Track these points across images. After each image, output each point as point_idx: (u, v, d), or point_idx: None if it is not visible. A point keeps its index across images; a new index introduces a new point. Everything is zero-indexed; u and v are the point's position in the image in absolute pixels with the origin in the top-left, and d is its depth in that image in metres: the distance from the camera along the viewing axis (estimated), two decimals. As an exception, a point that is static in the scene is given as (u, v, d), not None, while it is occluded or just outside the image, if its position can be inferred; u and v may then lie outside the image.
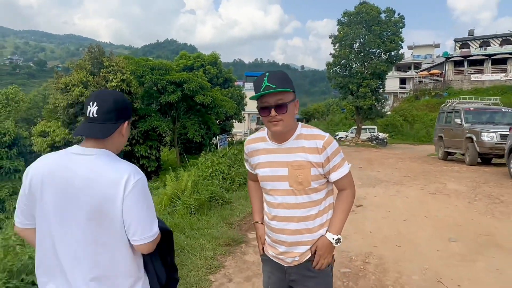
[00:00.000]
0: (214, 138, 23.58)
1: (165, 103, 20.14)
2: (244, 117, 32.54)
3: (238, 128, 36.43)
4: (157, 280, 1.42)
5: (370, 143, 22.84)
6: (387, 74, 25.43)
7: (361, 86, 23.08)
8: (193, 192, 5.45)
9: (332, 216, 1.67)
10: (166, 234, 1.43)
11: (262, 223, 1.77)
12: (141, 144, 20.19)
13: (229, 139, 28.66)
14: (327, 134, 1.62)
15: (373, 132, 25.52)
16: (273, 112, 1.50)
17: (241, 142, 30.43)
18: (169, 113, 22.28)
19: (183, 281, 3.11)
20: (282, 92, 1.51)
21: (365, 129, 25.89)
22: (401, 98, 44.02)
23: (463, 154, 10.91)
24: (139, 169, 1.32)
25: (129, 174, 1.24)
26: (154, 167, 20.89)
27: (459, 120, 11.02)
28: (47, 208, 1.25)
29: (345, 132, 27.61)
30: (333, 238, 1.61)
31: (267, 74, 1.50)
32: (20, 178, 9.19)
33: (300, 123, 1.65)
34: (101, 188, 1.21)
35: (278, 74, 1.52)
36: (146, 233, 1.25)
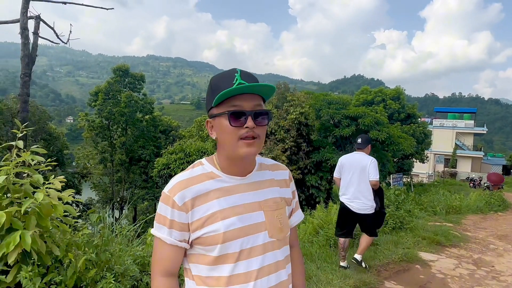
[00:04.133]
0: (389, 176, 22.13)
1: (341, 136, 20.47)
2: (428, 157, 29.09)
3: (420, 169, 32.84)
4: (378, 203, 4.24)
5: None
6: None
7: None
8: (337, 226, 5.38)
9: (297, 285, 1.26)
10: (380, 189, 4.36)
11: None
12: (312, 174, 21.08)
13: (407, 180, 26.23)
14: None
15: None
16: (250, 122, 1.00)
17: (421, 185, 27.28)
18: (343, 146, 22.48)
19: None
20: (260, 97, 1.05)
21: None
22: None
23: None
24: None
25: (371, 160, 4.12)
26: (323, 198, 21.33)
27: None
28: (346, 169, 4.20)
29: None
30: None
31: (238, 70, 1.05)
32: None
33: None
34: (362, 162, 4.12)
35: (250, 73, 1.07)
36: (373, 177, 4.05)
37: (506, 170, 41.07)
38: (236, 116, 1.01)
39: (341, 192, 4.33)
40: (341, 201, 4.31)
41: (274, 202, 1.13)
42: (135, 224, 3.36)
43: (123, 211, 26.93)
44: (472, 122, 39.86)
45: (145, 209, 28.52)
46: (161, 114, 34.35)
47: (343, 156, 4.38)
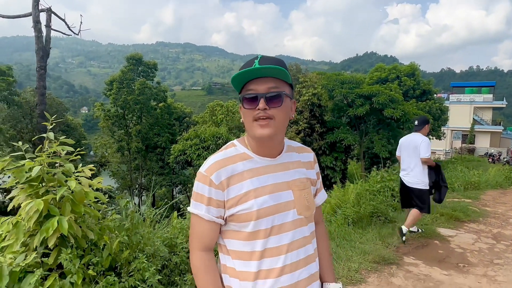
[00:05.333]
0: (404, 154, 21.92)
1: (355, 116, 20.29)
2: (445, 133, 28.57)
3: (436, 146, 32.32)
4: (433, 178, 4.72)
5: None
6: None
7: None
8: (355, 205, 5.45)
9: (323, 260, 1.32)
10: (437, 166, 4.79)
11: None
12: (327, 155, 21.05)
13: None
14: None
15: None
16: (262, 103, 1.06)
17: (438, 162, 26.75)
18: (357, 126, 22.27)
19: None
20: (277, 80, 1.09)
21: None
22: None
23: None
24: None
25: (422, 139, 4.59)
26: (339, 179, 21.33)
27: None
28: (403, 148, 4.84)
29: None
30: None
31: (259, 56, 1.10)
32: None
33: None
34: (415, 141, 4.64)
35: (273, 57, 1.11)
36: (423, 155, 4.54)
37: (527, 144, 40.03)
38: (249, 99, 1.08)
39: (401, 169, 4.98)
40: (399, 176, 4.97)
41: (301, 182, 1.19)
42: (160, 209, 3.50)
43: (142, 197, 27.63)
44: (491, 96, 38.70)
45: (163, 195, 29.16)
46: (174, 101, 34.59)
47: (402, 137, 5.05)
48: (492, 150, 30.79)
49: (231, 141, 1.25)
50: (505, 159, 23.41)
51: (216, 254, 1.28)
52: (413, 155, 4.65)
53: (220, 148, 1.27)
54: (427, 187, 4.65)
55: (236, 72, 1.10)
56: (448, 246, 4.72)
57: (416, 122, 4.87)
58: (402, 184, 4.88)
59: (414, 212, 4.69)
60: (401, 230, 4.65)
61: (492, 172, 12.15)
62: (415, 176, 4.66)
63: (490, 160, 25.16)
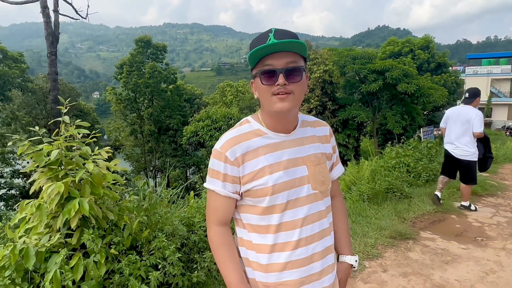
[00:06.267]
0: (418, 130, 21.54)
1: (367, 92, 19.93)
2: (460, 107, 27.86)
3: (452, 120, 31.59)
4: (482, 150, 4.79)
5: None
6: None
7: None
8: (369, 181, 5.42)
9: (339, 233, 1.33)
10: (486, 138, 4.79)
11: None
12: (339, 132, 20.88)
13: (438, 132, 25.43)
14: None
15: None
16: (281, 79, 1.04)
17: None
18: (370, 102, 21.91)
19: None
20: (294, 54, 1.06)
21: None
22: None
23: None
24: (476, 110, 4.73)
25: (477, 113, 4.58)
26: (351, 156, 21.21)
27: None
28: (452, 120, 4.82)
29: None
30: (356, 261, 1.32)
31: (273, 29, 1.08)
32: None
33: None
34: (468, 115, 4.62)
35: (288, 31, 1.09)
36: (477, 130, 4.58)
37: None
38: (268, 75, 1.05)
39: (445, 141, 4.99)
40: (445, 148, 5.00)
41: (316, 157, 1.19)
42: (176, 189, 3.55)
43: (157, 179, 28.09)
44: (509, 67, 37.23)
45: (177, 176, 29.57)
46: (184, 83, 34.50)
47: (449, 109, 4.98)
48: (510, 123, 30.00)
49: (245, 118, 1.24)
50: (523, 132, 22.82)
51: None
52: (466, 128, 4.67)
53: (231, 126, 1.25)
54: (476, 159, 4.75)
55: (244, 51, 1.08)
56: (465, 220, 4.68)
57: (467, 95, 4.81)
58: (449, 156, 4.89)
59: (464, 187, 4.94)
60: (464, 206, 5.02)
61: (511, 145, 11.88)
62: (466, 149, 4.72)
63: (508, 133, 24.58)
